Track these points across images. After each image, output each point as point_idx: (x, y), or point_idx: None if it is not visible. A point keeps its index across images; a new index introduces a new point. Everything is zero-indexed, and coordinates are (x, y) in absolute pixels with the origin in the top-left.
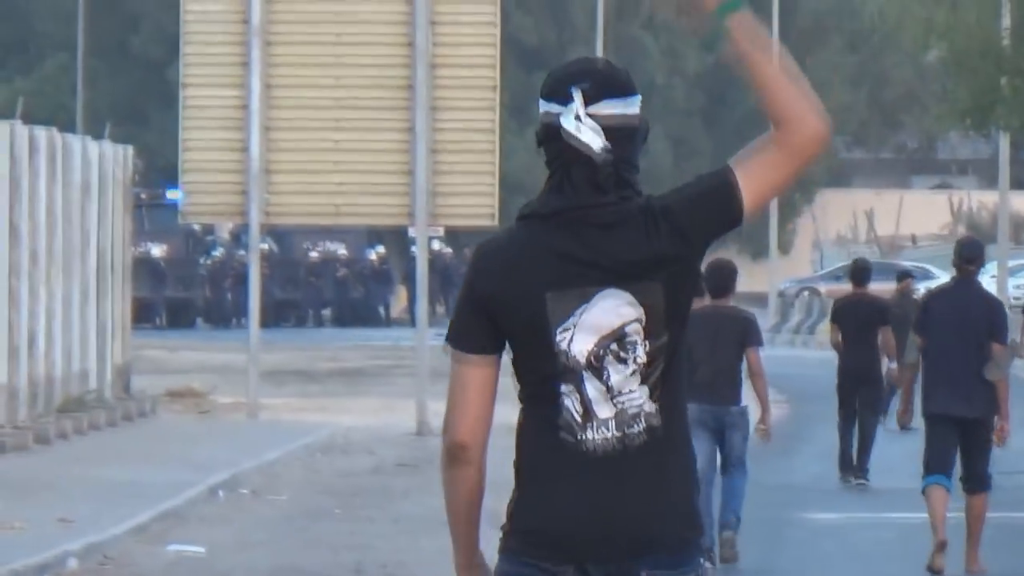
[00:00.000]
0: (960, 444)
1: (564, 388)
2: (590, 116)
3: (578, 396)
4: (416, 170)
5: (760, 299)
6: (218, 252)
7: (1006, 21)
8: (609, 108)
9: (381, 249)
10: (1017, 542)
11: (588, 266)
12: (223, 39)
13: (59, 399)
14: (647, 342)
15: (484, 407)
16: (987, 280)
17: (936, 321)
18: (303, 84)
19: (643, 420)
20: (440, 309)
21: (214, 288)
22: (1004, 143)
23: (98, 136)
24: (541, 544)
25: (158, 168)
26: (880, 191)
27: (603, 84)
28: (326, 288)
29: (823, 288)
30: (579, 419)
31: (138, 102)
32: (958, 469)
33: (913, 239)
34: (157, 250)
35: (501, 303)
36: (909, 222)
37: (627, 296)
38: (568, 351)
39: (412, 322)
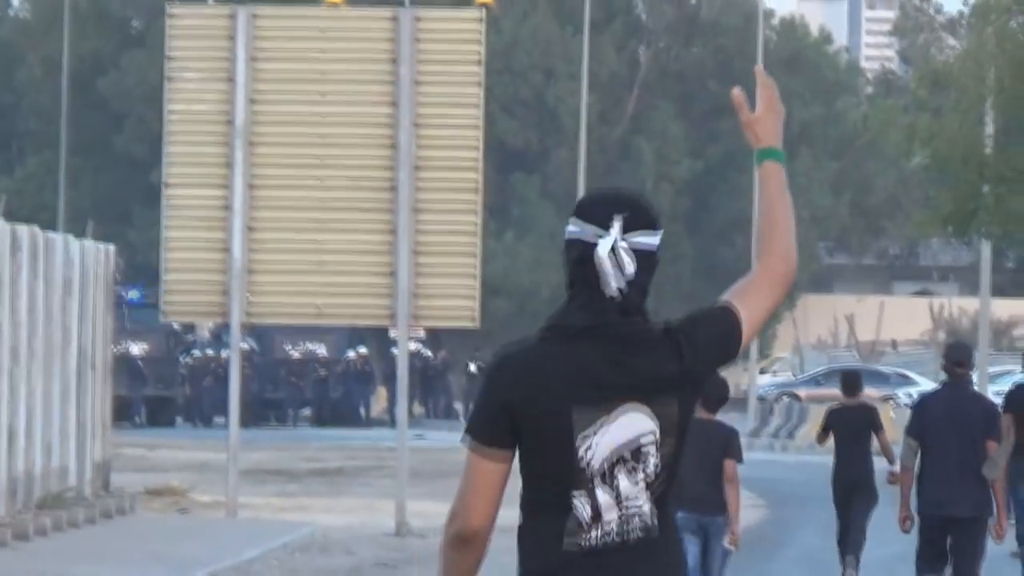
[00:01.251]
0: (952, 543)
1: (576, 494)
2: (624, 246)
3: (589, 502)
4: (398, 271)
5: (739, 403)
6: (200, 352)
7: (989, 129)
8: (642, 239)
9: (363, 349)
10: None
11: (613, 382)
12: (206, 139)
13: (38, 495)
14: (659, 454)
15: (497, 498)
16: None
17: (932, 422)
18: (286, 185)
19: (641, 521)
20: (419, 410)
21: (194, 386)
22: (985, 250)
23: (80, 234)
24: None
25: (140, 267)
26: (861, 296)
27: (639, 215)
28: (306, 388)
29: (803, 392)
30: (587, 523)
31: (121, 200)
32: None
33: (894, 344)
34: (137, 348)
35: (525, 412)
36: (890, 327)
37: (647, 410)
38: (585, 458)
39: (392, 422)
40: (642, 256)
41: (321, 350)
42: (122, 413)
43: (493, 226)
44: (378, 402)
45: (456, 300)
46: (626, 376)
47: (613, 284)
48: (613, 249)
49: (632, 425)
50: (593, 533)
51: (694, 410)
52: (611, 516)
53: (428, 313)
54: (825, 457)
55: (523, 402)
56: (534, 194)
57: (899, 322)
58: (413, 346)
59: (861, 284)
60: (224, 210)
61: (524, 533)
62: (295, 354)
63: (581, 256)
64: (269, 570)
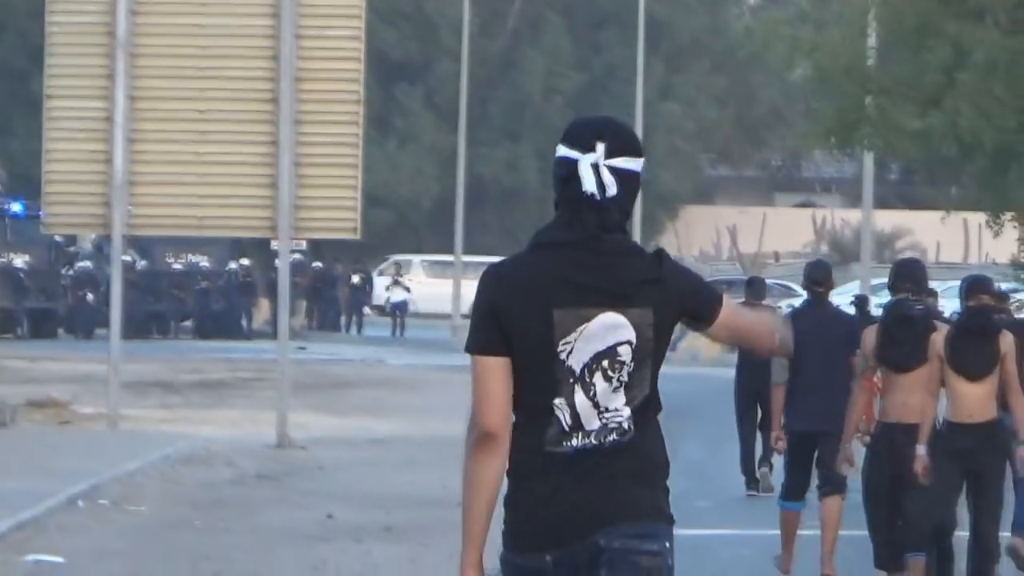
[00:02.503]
0: (818, 454)
1: (557, 401)
2: (607, 166)
3: (569, 409)
4: (280, 183)
5: None
6: (86, 263)
7: (872, 40)
8: (624, 163)
9: (245, 261)
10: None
11: (592, 290)
12: (88, 50)
13: None
14: (633, 363)
15: (506, 398)
16: (845, 300)
17: (797, 340)
18: (168, 96)
19: (620, 433)
20: (301, 322)
21: (76, 298)
22: (868, 162)
23: None
24: (526, 537)
25: (22, 178)
26: (744, 208)
27: (622, 142)
28: (188, 300)
29: None
30: (567, 429)
31: (2, 111)
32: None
33: (776, 256)
34: (19, 261)
35: (513, 317)
36: (772, 239)
37: (622, 319)
38: (565, 362)
39: (274, 334)
40: (624, 178)
41: (204, 262)
42: (4, 325)
43: (375, 136)
44: (260, 314)
45: (337, 211)
46: (605, 285)
47: (589, 186)
48: (596, 170)
49: (610, 331)
50: (574, 442)
51: (666, 343)
52: (593, 425)
53: (309, 225)
54: (704, 369)
55: (510, 307)
56: (416, 105)
57: (782, 234)
58: (296, 257)
59: (744, 196)
60: (105, 122)
61: (514, 433)
62: (177, 266)
63: (567, 174)
64: (151, 482)
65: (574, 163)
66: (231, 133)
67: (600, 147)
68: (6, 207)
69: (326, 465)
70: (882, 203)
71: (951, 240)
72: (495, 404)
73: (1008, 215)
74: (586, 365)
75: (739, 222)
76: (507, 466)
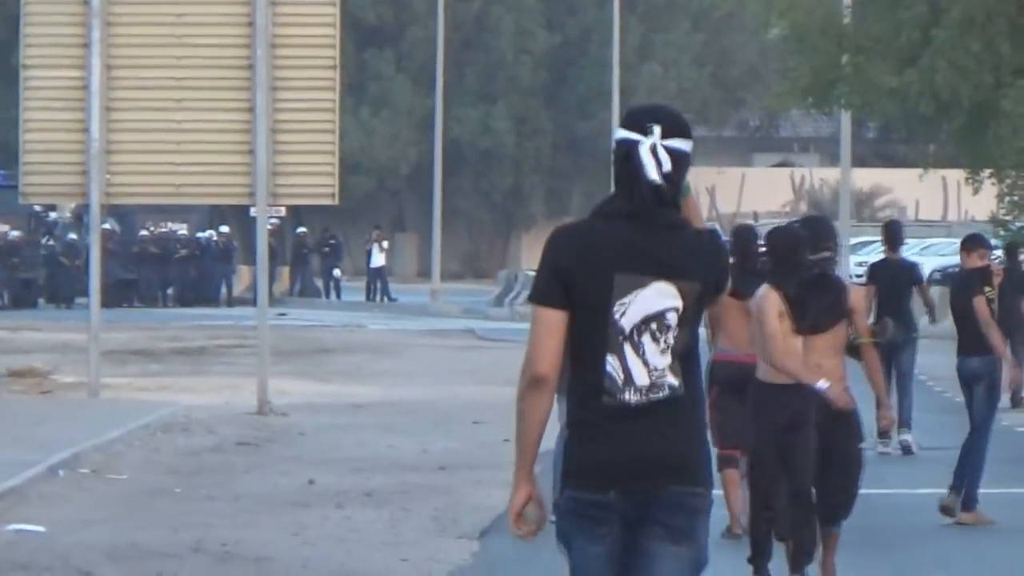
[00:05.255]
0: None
1: (610, 357)
2: (664, 147)
3: (620, 364)
4: (256, 150)
5: None
6: (72, 236)
7: None
8: (677, 143)
9: (224, 228)
10: None
11: (650, 258)
12: (63, 20)
13: None
14: (679, 328)
15: (559, 348)
16: None
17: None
18: (144, 65)
19: (668, 389)
20: (282, 288)
21: (56, 268)
22: (845, 120)
23: None
24: (589, 477)
25: (3, 148)
26: (722, 169)
27: (675, 125)
28: (168, 268)
29: None
30: (620, 384)
31: None
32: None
33: (755, 216)
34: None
35: (575, 275)
36: (751, 199)
37: (673, 289)
38: (619, 322)
39: (255, 301)
40: (676, 157)
41: (183, 230)
42: None
43: (350, 102)
44: (241, 281)
45: (315, 178)
46: (660, 254)
47: (652, 174)
48: (653, 150)
49: (661, 297)
50: (627, 395)
51: (710, 298)
52: (642, 381)
53: (287, 191)
54: None
55: (573, 266)
56: (390, 70)
57: (760, 194)
58: (273, 222)
59: (722, 156)
60: (82, 91)
61: (570, 386)
62: (157, 234)
63: (626, 155)
64: (131, 450)
65: (634, 144)
66: (207, 100)
67: (657, 129)
68: None
69: (307, 431)
70: (860, 162)
71: (930, 198)
72: (548, 351)
73: (986, 172)
74: (635, 326)
75: (717, 183)
76: (570, 416)
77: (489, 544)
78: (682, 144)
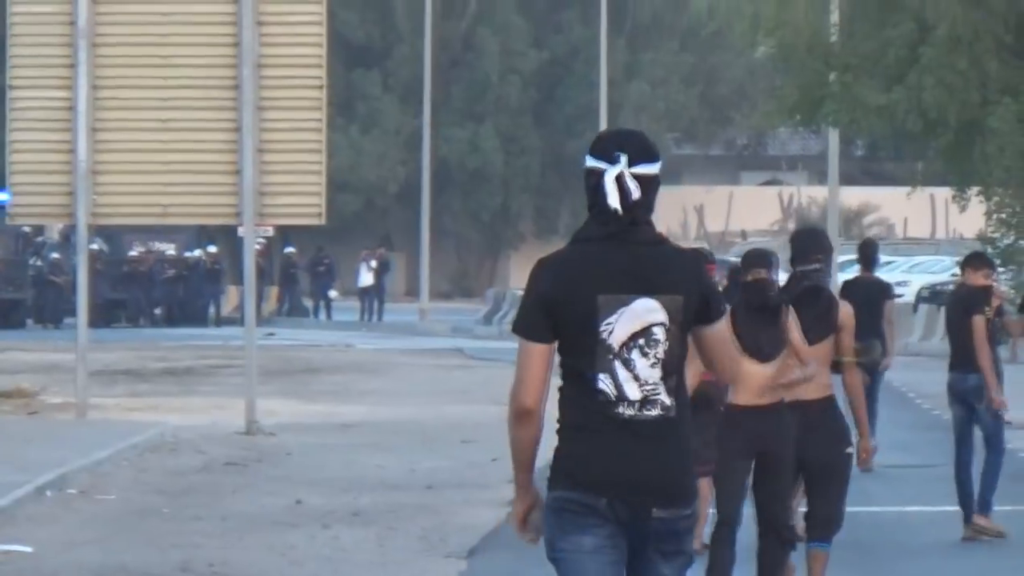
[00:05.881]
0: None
1: (602, 376)
2: (631, 174)
3: (612, 381)
4: (243, 169)
5: None
6: (55, 255)
7: (834, 16)
8: (644, 169)
9: (212, 248)
10: None
11: (629, 277)
12: (50, 40)
13: None
14: (667, 343)
15: (544, 382)
16: None
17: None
18: (130, 85)
19: (659, 407)
20: (270, 308)
21: (44, 288)
22: (833, 138)
23: None
24: (581, 479)
25: None
26: (710, 187)
27: (641, 151)
28: (156, 288)
29: None
30: (613, 399)
31: None
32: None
33: (743, 234)
34: None
35: (560, 302)
36: (739, 218)
37: (656, 304)
38: (607, 340)
39: (243, 321)
40: (645, 181)
41: (171, 250)
42: None
43: (339, 121)
44: (229, 301)
45: (302, 197)
46: (640, 272)
47: (613, 202)
48: (619, 179)
49: (645, 313)
50: (620, 409)
51: (694, 315)
52: (634, 396)
53: (274, 211)
54: None
55: (557, 293)
56: (377, 89)
57: (748, 212)
58: (260, 241)
59: (710, 175)
60: (68, 111)
61: (562, 396)
62: (144, 254)
63: (597, 183)
64: (119, 470)
65: (601, 173)
66: (194, 120)
67: (623, 158)
68: None
69: (294, 451)
70: (848, 179)
71: (918, 216)
72: (532, 385)
73: (974, 190)
74: (624, 344)
75: (706, 201)
76: (563, 424)
77: (477, 563)
78: (649, 168)
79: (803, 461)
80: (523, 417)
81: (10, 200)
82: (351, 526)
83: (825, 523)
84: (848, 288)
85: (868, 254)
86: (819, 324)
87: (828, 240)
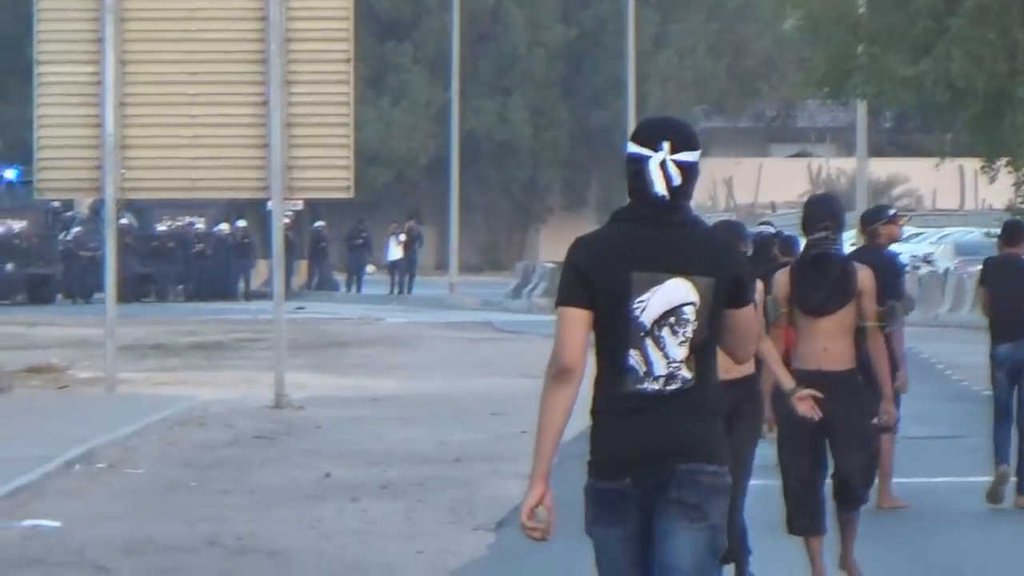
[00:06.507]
0: None
1: (632, 352)
2: (673, 161)
3: (642, 358)
4: (271, 144)
5: None
6: (78, 229)
7: None
8: (685, 157)
9: (242, 222)
10: None
11: (664, 257)
12: (77, 15)
13: None
14: (696, 323)
15: (583, 343)
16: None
17: None
18: (157, 59)
19: (680, 381)
20: (300, 281)
21: (73, 263)
22: (861, 110)
23: None
24: (607, 466)
25: (17, 144)
26: (739, 160)
27: (683, 139)
28: (184, 262)
29: None
30: (641, 375)
31: None
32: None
33: (772, 206)
34: (16, 226)
35: (596, 278)
36: (768, 190)
37: (689, 284)
38: (639, 318)
39: (272, 295)
40: (685, 169)
41: (200, 224)
42: (2, 291)
43: (370, 94)
44: (259, 275)
45: (330, 171)
46: (674, 253)
47: (660, 189)
48: (663, 165)
49: (677, 293)
50: (647, 385)
51: (726, 297)
52: (661, 372)
53: (302, 184)
54: None
55: (594, 269)
56: (407, 62)
57: (777, 184)
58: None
59: (739, 147)
60: (96, 86)
61: (596, 380)
62: (173, 229)
63: (637, 171)
64: (148, 444)
65: (645, 160)
66: (222, 95)
67: (666, 145)
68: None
69: (323, 424)
70: (877, 151)
71: (947, 187)
72: (573, 344)
73: (1003, 161)
74: (655, 321)
75: (735, 173)
76: (595, 406)
77: (505, 536)
78: (690, 156)
79: (829, 431)
80: (562, 376)
81: (37, 175)
82: (380, 499)
83: (852, 493)
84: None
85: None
86: (836, 291)
87: (838, 207)
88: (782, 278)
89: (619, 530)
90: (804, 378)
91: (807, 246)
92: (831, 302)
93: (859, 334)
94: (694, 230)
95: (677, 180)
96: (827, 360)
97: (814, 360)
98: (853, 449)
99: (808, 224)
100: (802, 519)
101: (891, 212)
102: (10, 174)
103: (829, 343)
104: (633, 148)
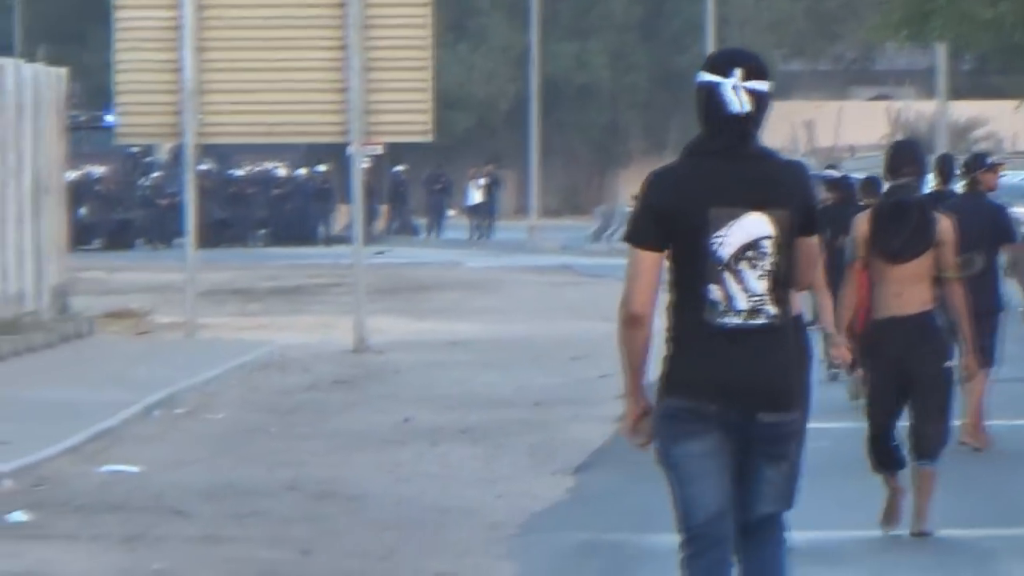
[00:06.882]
0: None
1: (712, 286)
2: (744, 88)
3: (722, 292)
4: (350, 88)
5: None
6: (158, 174)
7: None
8: (756, 85)
9: (323, 167)
10: None
11: (741, 190)
12: None
13: None
14: (775, 255)
15: (653, 289)
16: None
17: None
18: (236, 4)
19: (765, 316)
20: (381, 226)
21: (153, 209)
22: (941, 53)
23: (35, 58)
24: (691, 388)
25: (98, 90)
26: (819, 103)
27: (754, 68)
28: (263, 207)
29: None
30: (721, 309)
31: (77, 23)
32: None
33: (851, 150)
34: (97, 172)
35: (672, 213)
36: (848, 132)
37: (766, 217)
38: (717, 252)
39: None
40: (757, 97)
41: (280, 169)
42: (82, 237)
43: (449, 38)
44: (339, 220)
45: (409, 115)
46: (751, 186)
47: (735, 107)
48: (735, 90)
49: (755, 226)
50: (728, 318)
51: (800, 227)
52: (743, 306)
53: (381, 128)
54: None
55: (670, 205)
56: (487, 6)
57: (857, 127)
58: (367, 163)
59: (818, 90)
60: (174, 30)
61: (670, 311)
62: (253, 174)
63: (708, 95)
64: (227, 389)
65: (715, 85)
66: (300, 39)
67: (737, 72)
68: (82, 119)
69: (402, 369)
70: (957, 94)
71: None
72: (643, 291)
73: None
74: (734, 255)
75: (815, 117)
76: (673, 333)
77: (584, 479)
78: (762, 85)
79: (905, 377)
80: (632, 323)
81: (117, 120)
82: (459, 443)
83: (928, 441)
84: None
85: (946, 168)
86: (915, 239)
87: (920, 153)
88: (862, 221)
89: (700, 444)
90: (878, 328)
91: (888, 191)
92: (909, 249)
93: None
94: (767, 162)
95: (749, 107)
96: (900, 306)
97: (886, 307)
98: (926, 397)
99: (891, 170)
100: (883, 456)
101: (989, 160)
102: (110, 118)
103: (903, 289)
104: (703, 76)
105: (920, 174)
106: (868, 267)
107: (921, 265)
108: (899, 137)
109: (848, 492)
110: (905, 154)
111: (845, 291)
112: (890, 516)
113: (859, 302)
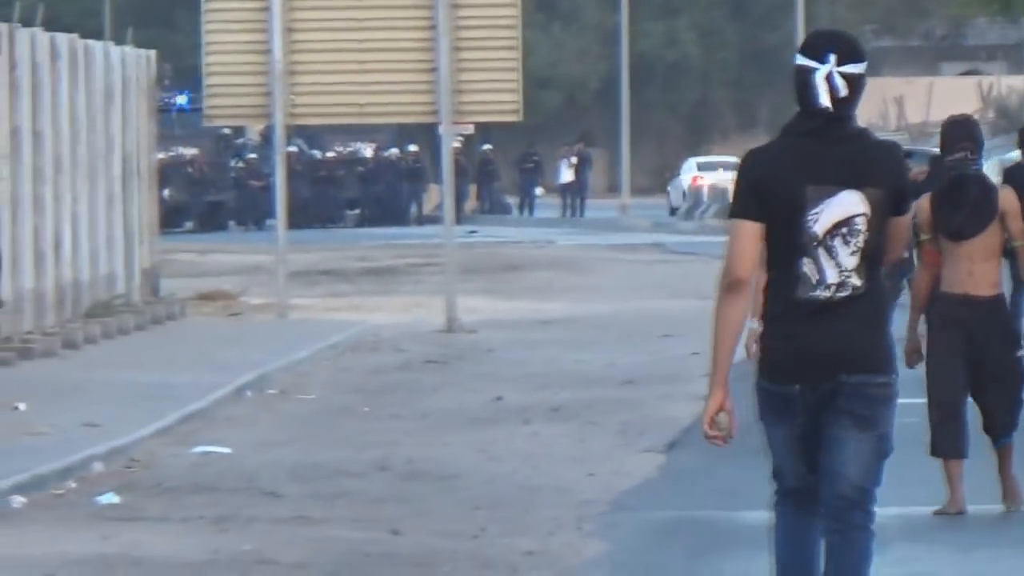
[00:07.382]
0: None
1: (805, 260)
2: (839, 73)
3: (814, 266)
4: (439, 67)
5: None
6: (251, 156)
7: None
8: (851, 68)
9: (413, 147)
10: None
11: (836, 169)
12: None
13: (86, 304)
14: (867, 232)
15: (755, 257)
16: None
17: None
18: None
19: (850, 288)
20: (472, 205)
21: (244, 190)
22: None
23: (124, 40)
24: (777, 371)
25: (186, 71)
26: (909, 79)
27: (849, 51)
28: (357, 187)
29: None
30: (813, 283)
31: (166, 5)
32: None
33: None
34: (187, 153)
35: (770, 190)
36: (939, 108)
37: (860, 196)
38: (812, 228)
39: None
40: (852, 80)
41: (369, 150)
42: (173, 219)
43: (540, 18)
44: (430, 200)
45: (498, 95)
46: (846, 165)
47: (824, 101)
48: (828, 77)
49: (849, 204)
50: (818, 292)
51: (893, 206)
52: (833, 280)
53: (471, 108)
54: None
55: (767, 182)
56: None
57: (948, 102)
58: (458, 143)
59: (909, 66)
60: (263, 12)
61: (767, 287)
62: (344, 154)
63: (805, 80)
64: (319, 370)
65: (811, 72)
66: (389, 20)
67: (832, 57)
68: (171, 101)
69: (495, 348)
70: None
71: None
72: (745, 257)
73: None
74: (828, 232)
75: (905, 92)
76: (760, 312)
77: (675, 457)
78: (856, 68)
79: (975, 362)
80: (735, 288)
81: (205, 102)
82: (551, 422)
83: (1005, 428)
84: (1011, 173)
85: None
86: (977, 213)
87: (976, 128)
88: (924, 204)
89: (784, 429)
90: (950, 302)
91: (946, 169)
92: (972, 224)
93: (1008, 256)
94: (861, 142)
95: (843, 91)
96: (973, 284)
97: (960, 284)
98: (998, 383)
99: (946, 146)
100: (944, 441)
101: None
102: (181, 100)
103: (974, 266)
104: (800, 60)
105: (977, 149)
106: (937, 246)
107: (989, 240)
108: (991, 112)
109: (936, 468)
110: (959, 130)
111: (920, 274)
112: (953, 504)
113: (932, 284)
